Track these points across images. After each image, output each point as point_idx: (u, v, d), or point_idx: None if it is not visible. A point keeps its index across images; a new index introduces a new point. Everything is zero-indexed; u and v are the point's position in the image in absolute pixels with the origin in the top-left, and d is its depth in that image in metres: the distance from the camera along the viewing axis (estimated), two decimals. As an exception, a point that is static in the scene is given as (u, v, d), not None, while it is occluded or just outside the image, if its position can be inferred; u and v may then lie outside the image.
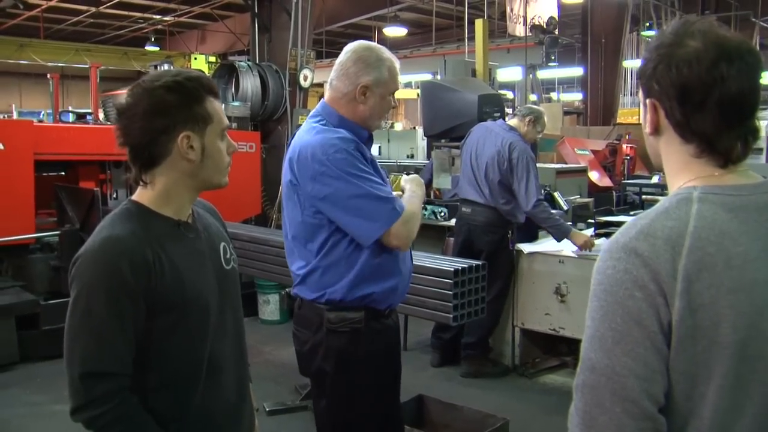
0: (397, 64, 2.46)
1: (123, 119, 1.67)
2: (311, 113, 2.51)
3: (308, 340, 2.45)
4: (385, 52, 2.44)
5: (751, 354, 1.14)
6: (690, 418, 1.17)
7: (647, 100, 1.27)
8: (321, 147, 2.29)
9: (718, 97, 1.18)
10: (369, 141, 2.49)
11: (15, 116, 17.15)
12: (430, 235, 6.12)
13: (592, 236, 4.96)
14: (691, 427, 1.17)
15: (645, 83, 1.27)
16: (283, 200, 2.49)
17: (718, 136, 1.21)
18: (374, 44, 2.47)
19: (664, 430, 1.15)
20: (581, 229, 5.59)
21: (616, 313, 1.15)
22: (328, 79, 2.47)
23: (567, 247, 4.92)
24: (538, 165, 7.92)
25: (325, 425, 2.53)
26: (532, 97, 16.37)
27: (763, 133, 9.63)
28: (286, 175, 2.41)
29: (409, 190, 2.51)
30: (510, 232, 5.05)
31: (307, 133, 2.40)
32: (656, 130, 1.28)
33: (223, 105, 7.69)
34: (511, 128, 5.08)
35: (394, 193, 2.42)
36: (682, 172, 1.26)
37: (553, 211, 5.02)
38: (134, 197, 1.74)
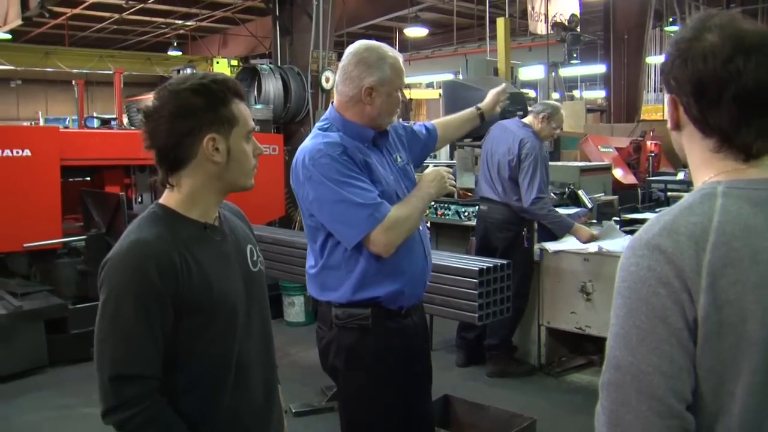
0: (400, 58, 2.45)
1: (150, 122, 1.68)
2: (321, 118, 2.54)
3: (324, 336, 2.49)
4: (387, 50, 2.43)
5: None
6: (719, 416, 1.15)
7: (667, 96, 1.27)
8: (309, 152, 2.34)
9: (734, 91, 1.16)
10: (380, 138, 2.47)
11: (41, 123, 17.40)
12: (454, 234, 6.11)
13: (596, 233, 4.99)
14: (721, 424, 1.15)
15: (665, 78, 1.27)
16: None
17: (736, 130, 1.19)
18: (374, 43, 2.45)
19: (692, 429, 1.14)
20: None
21: (641, 310, 1.14)
22: (335, 83, 2.49)
23: (591, 245, 4.89)
24: (561, 163, 7.92)
25: (342, 421, 2.58)
26: (555, 95, 16.30)
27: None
28: (291, 180, 2.46)
29: (417, 189, 2.47)
30: (525, 229, 5.03)
31: (308, 139, 2.44)
32: (677, 126, 1.28)
33: (246, 108, 7.77)
34: (526, 125, 5.09)
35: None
36: (704, 167, 1.25)
37: (556, 209, 5.01)
38: (161, 200, 1.76)
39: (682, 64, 1.20)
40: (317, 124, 2.49)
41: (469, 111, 3.08)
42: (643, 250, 1.17)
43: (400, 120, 2.73)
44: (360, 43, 2.45)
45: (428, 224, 2.31)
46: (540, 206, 4.85)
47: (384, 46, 2.45)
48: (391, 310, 2.41)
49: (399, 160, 2.55)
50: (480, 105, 3.07)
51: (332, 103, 2.51)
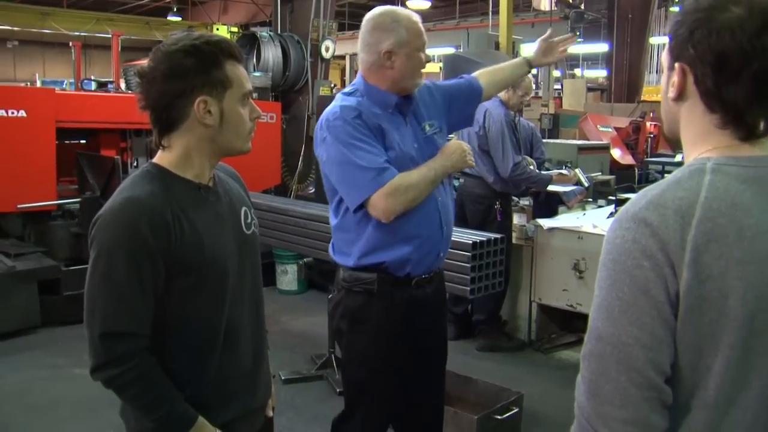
0: (415, 18, 2.43)
1: (143, 83, 1.67)
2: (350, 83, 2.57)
3: (334, 297, 2.56)
4: (401, 12, 2.42)
5: (759, 327, 1.13)
6: (695, 390, 1.16)
7: (676, 64, 1.24)
8: (326, 115, 2.39)
9: (756, 68, 1.14)
10: (405, 105, 2.46)
11: (38, 85, 17.27)
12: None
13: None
14: (697, 398, 1.16)
15: (677, 46, 1.23)
16: None
17: (748, 108, 1.18)
18: (388, 7, 2.45)
19: (669, 401, 1.15)
20: (601, 206, 5.58)
21: (624, 282, 1.15)
22: (358, 53, 2.49)
23: (586, 223, 4.89)
24: (559, 141, 7.90)
25: (344, 382, 2.65)
26: (556, 73, 16.21)
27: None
28: None
29: (431, 161, 2.44)
30: (498, 202, 5.04)
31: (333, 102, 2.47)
32: (680, 96, 1.25)
33: (244, 75, 7.71)
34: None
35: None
36: (700, 141, 1.24)
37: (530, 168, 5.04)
38: (155, 160, 1.75)
39: (705, 34, 1.17)
40: (344, 89, 2.52)
41: (517, 60, 3.01)
42: (629, 222, 1.16)
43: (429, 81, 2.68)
44: (375, 9, 2.45)
45: (454, 194, 2.29)
46: (519, 172, 4.88)
47: (398, 9, 2.45)
48: (399, 277, 2.42)
49: (428, 128, 2.51)
50: (528, 55, 2.98)
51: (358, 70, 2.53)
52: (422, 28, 2.44)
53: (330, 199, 2.48)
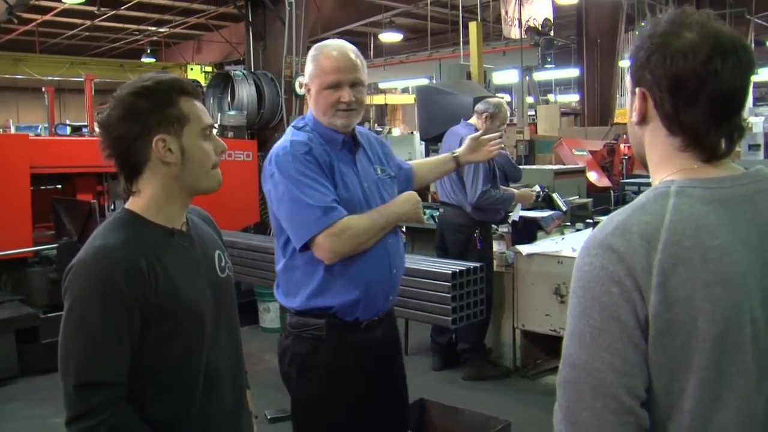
0: (336, 54, 2.30)
1: (103, 131, 1.69)
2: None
3: (281, 343, 2.46)
4: (328, 45, 2.36)
5: (729, 347, 1.14)
6: (671, 412, 1.16)
7: (636, 89, 1.26)
8: (276, 150, 2.34)
9: (711, 91, 1.17)
10: (351, 144, 2.41)
11: (12, 131, 17.18)
12: (430, 238, 6.11)
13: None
14: (673, 420, 1.17)
15: (636, 71, 1.26)
16: None
17: (706, 131, 1.20)
18: (328, 41, 2.40)
19: (647, 425, 1.15)
20: (579, 230, 5.62)
21: (594, 309, 1.16)
22: None
23: (565, 247, 4.92)
24: (536, 167, 7.97)
25: (295, 427, 2.52)
26: (529, 99, 16.40)
27: (760, 129, 9.64)
28: None
29: (386, 205, 2.39)
30: (478, 231, 5.05)
31: (283, 136, 2.42)
32: (643, 120, 1.27)
33: (219, 114, 7.72)
34: (469, 125, 5.11)
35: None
36: (664, 164, 1.26)
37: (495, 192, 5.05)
38: (127, 205, 1.74)
39: (660, 59, 1.20)
40: (293, 123, 2.46)
41: (445, 156, 2.97)
42: (597, 249, 1.18)
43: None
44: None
45: (404, 238, 2.25)
46: (485, 198, 4.89)
47: (328, 43, 2.38)
48: (347, 322, 2.34)
49: (380, 171, 2.47)
50: (456, 151, 2.93)
51: None
52: (341, 65, 2.29)
53: (277, 238, 2.39)
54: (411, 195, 2.46)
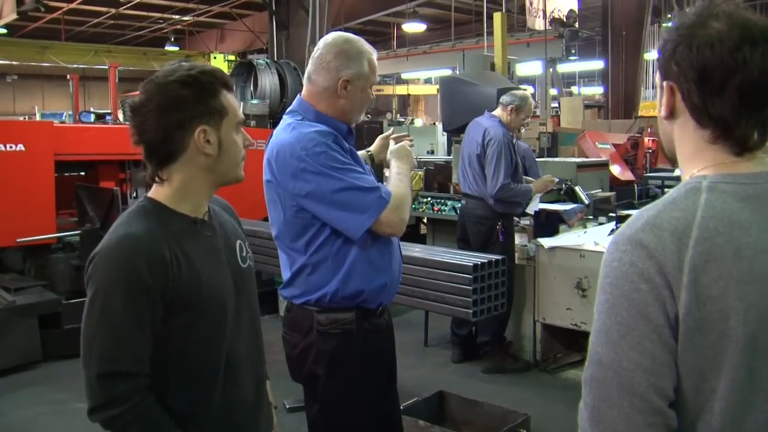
0: (375, 56, 2.40)
1: (137, 116, 1.65)
2: (288, 109, 2.45)
3: (298, 343, 2.38)
4: (364, 45, 2.38)
5: (762, 347, 1.11)
6: (701, 413, 1.14)
7: (664, 83, 1.23)
8: (299, 143, 2.24)
9: (740, 81, 1.14)
10: (350, 134, 2.43)
11: (38, 118, 17.36)
12: (451, 230, 6.09)
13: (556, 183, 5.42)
14: (702, 421, 1.14)
15: (664, 64, 1.23)
16: (266, 202, 2.43)
17: (736, 121, 1.17)
18: (352, 36, 2.40)
19: (674, 425, 1.13)
20: (602, 223, 5.57)
21: (622, 306, 1.13)
22: (306, 73, 2.42)
23: (587, 240, 4.88)
24: (558, 159, 7.90)
25: (319, 430, 2.45)
26: (553, 91, 16.28)
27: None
28: (265, 175, 2.36)
29: (395, 167, 2.45)
30: (500, 223, 5.04)
31: (283, 130, 2.35)
32: (671, 114, 1.24)
33: (242, 103, 7.73)
34: (494, 116, 5.11)
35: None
36: (695, 158, 1.23)
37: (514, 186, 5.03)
38: (150, 194, 1.73)
39: (687, 50, 1.17)
40: (287, 116, 2.40)
41: (361, 152, 2.79)
42: (626, 245, 1.15)
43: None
44: (338, 34, 2.40)
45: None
46: (504, 191, 4.89)
47: (362, 41, 2.40)
48: (370, 309, 2.37)
49: (368, 160, 2.58)
50: (370, 148, 2.83)
51: (300, 94, 2.44)
52: (377, 67, 2.42)
53: (295, 237, 2.31)
54: (402, 148, 2.53)
